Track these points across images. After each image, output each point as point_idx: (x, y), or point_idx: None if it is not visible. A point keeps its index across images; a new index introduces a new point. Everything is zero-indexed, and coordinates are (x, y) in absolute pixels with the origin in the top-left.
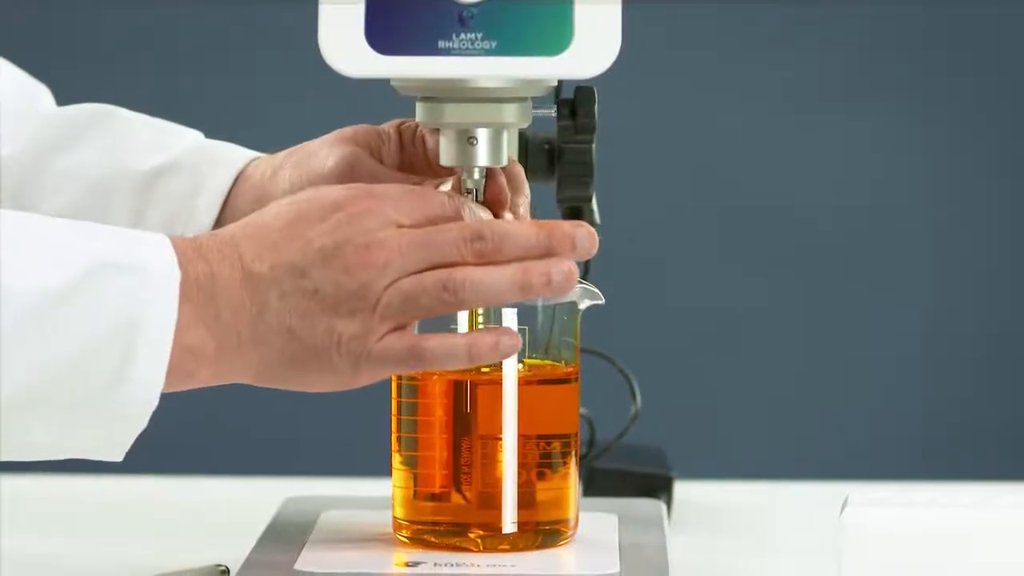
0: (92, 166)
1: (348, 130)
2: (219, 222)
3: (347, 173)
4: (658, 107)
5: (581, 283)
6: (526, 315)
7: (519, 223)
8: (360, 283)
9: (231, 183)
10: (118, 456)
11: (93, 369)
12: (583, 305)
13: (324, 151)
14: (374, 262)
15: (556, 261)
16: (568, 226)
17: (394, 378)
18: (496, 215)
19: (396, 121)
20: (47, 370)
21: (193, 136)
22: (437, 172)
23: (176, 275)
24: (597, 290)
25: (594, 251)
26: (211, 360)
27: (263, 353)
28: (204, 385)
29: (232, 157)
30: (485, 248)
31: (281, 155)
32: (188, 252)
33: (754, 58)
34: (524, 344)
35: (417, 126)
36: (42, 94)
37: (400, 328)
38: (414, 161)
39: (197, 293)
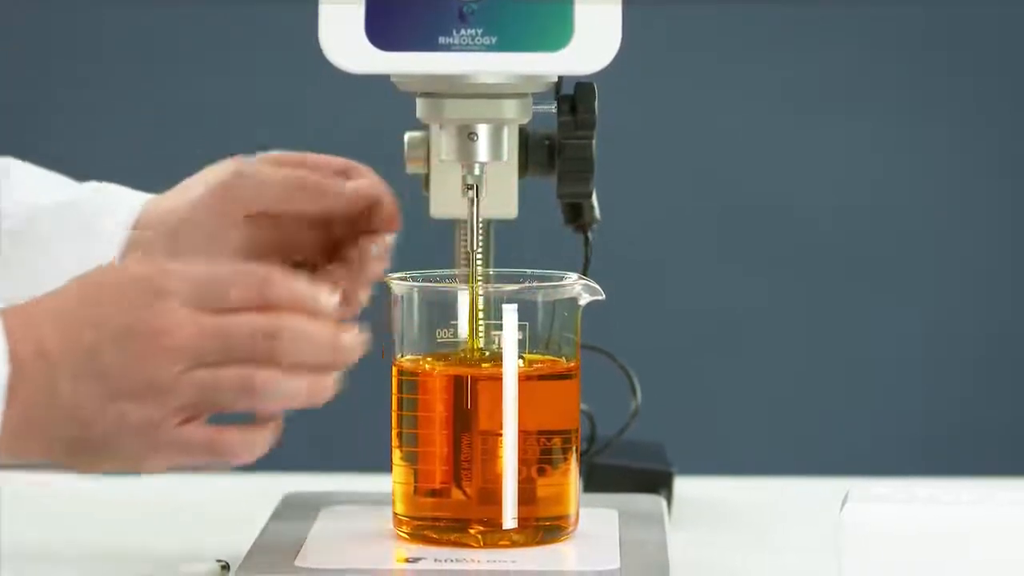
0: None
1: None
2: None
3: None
4: (658, 106)
5: (582, 279)
6: (526, 311)
7: (316, 325)
8: (152, 369)
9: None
10: None
11: None
12: (583, 301)
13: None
14: (166, 348)
15: (330, 378)
16: (349, 338)
17: (394, 373)
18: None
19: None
20: None
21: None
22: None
23: (5, 374)
24: (597, 286)
25: (355, 357)
26: (7, 437)
27: (54, 434)
28: (2, 462)
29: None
30: (278, 349)
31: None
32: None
33: (754, 58)
34: (524, 340)
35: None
36: None
37: (195, 418)
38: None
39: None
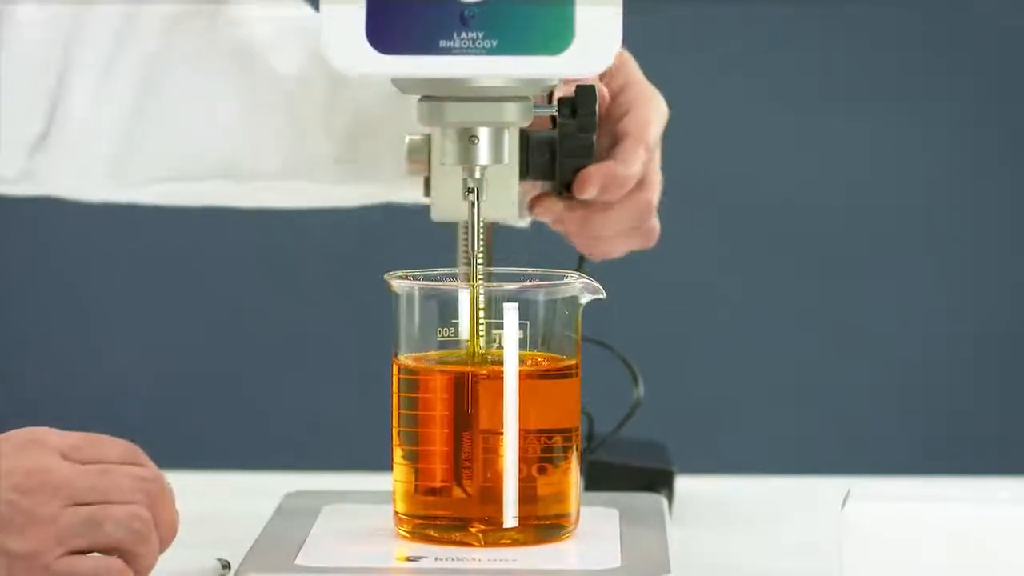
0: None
1: None
2: None
3: None
4: None
5: (583, 278)
6: (527, 310)
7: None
8: (31, 503)
9: None
10: None
11: None
12: (584, 300)
13: None
14: (46, 484)
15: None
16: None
17: (395, 372)
18: None
19: None
20: None
21: None
22: None
23: None
24: (598, 284)
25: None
26: None
27: None
28: None
29: None
30: (158, 494)
31: None
32: None
33: (754, 58)
34: (525, 338)
35: None
36: None
37: (79, 552)
38: None
39: None
